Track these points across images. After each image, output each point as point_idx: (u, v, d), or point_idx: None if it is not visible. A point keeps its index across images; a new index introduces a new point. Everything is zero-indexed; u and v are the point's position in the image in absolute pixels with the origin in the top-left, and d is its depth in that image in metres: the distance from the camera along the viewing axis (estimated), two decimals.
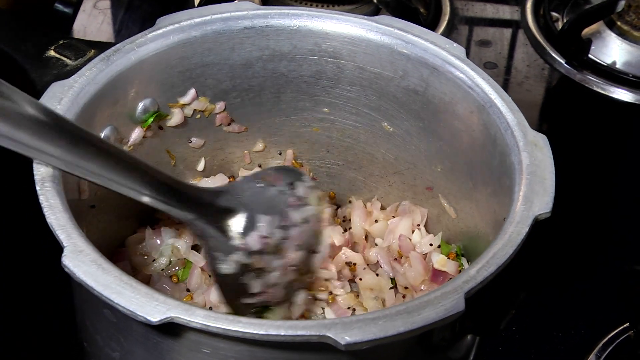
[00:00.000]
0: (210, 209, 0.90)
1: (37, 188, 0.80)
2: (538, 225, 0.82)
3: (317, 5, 1.43)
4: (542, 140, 0.90)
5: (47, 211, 0.78)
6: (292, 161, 1.14)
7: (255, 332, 0.70)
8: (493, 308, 0.91)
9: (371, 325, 0.71)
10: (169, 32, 1.00)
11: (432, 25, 1.44)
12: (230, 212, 0.91)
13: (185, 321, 0.70)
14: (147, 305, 0.71)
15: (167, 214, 0.88)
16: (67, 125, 0.81)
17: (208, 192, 0.94)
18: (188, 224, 0.90)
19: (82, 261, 0.74)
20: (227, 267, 0.90)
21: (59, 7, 1.49)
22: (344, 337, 0.70)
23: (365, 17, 1.04)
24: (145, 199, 0.84)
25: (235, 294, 0.93)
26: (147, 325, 0.71)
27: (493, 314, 0.92)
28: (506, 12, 1.54)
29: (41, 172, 0.81)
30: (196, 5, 1.46)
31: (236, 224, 0.91)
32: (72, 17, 1.48)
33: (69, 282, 0.81)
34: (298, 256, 0.95)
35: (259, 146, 1.14)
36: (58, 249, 0.76)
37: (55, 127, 0.79)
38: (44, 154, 0.78)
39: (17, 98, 0.76)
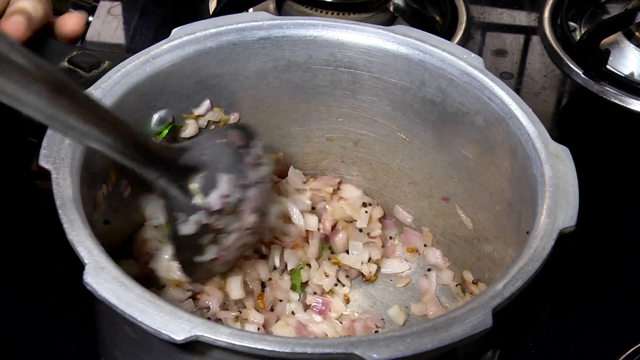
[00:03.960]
0: (173, 167, 0.90)
1: (57, 204, 0.79)
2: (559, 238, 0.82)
3: (332, 14, 1.42)
4: (564, 152, 0.89)
5: (67, 227, 0.77)
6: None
7: (281, 350, 0.69)
8: (518, 323, 0.90)
9: (398, 343, 0.70)
10: (184, 43, 0.99)
11: (449, 34, 1.43)
12: (191, 170, 0.91)
13: (210, 340, 0.70)
14: (172, 324, 0.70)
15: (132, 170, 0.86)
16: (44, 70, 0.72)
17: (171, 149, 0.93)
18: (150, 182, 0.89)
19: (104, 278, 0.73)
20: (187, 227, 0.91)
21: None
22: (372, 355, 0.69)
23: (382, 27, 1.03)
24: (111, 153, 0.81)
25: (190, 253, 0.94)
26: (171, 343, 0.70)
27: (518, 329, 0.91)
28: (523, 20, 1.53)
29: (61, 188, 0.80)
30: (211, 11, 1.46)
31: (197, 182, 0.91)
32: (86, 23, 1.47)
33: (88, 297, 0.80)
34: (254, 218, 0.96)
35: (273, 156, 1.13)
36: (78, 263, 0.75)
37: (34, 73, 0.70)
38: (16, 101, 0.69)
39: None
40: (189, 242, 0.92)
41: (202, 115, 1.04)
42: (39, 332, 1.04)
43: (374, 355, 0.68)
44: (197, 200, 0.90)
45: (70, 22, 1.01)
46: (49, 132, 0.86)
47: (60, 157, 0.83)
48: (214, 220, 0.92)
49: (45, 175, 0.82)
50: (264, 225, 1.00)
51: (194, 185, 0.90)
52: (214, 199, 0.91)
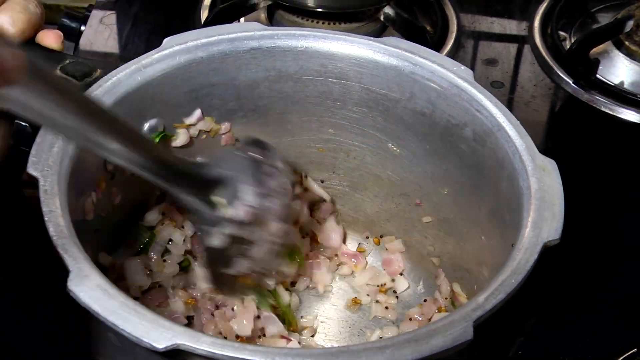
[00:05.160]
0: (196, 181, 0.91)
1: (44, 211, 0.79)
2: (545, 250, 0.82)
3: (324, 23, 1.42)
4: (550, 165, 0.89)
5: (53, 234, 0.77)
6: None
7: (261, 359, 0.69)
8: (501, 334, 0.90)
9: (379, 354, 0.70)
10: (175, 52, 1.00)
11: (439, 44, 1.44)
12: (214, 183, 0.92)
13: (191, 348, 0.70)
14: (153, 332, 0.71)
15: (155, 184, 0.87)
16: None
17: (192, 164, 0.94)
18: (175, 196, 0.90)
19: (88, 286, 0.74)
20: (215, 240, 0.91)
21: (66, 22, 1.49)
22: None
23: (373, 38, 1.03)
24: (134, 168, 0.83)
25: (221, 266, 0.94)
26: (152, 351, 0.70)
27: (501, 341, 0.91)
28: (513, 29, 1.53)
29: (48, 196, 0.81)
30: (202, 20, 1.46)
31: (221, 194, 0.91)
32: (79, 32, 1.48)
33: (73, 303, 0.80)
34: (279, 227, 0.96)
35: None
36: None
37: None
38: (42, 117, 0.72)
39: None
40: (217, 254, 0.93)
41: (193, 125, 1.05)
42: (35, 335, 1.04)
43: None
44: (222, 212, 0.91)
45: (47, 40, 1.02)
46: (37, 139, 0.86)
47: (48, 165, 0.84)
48: (240, 231, 0.92)
49: (34, 183, 0.83)
50: (290, 236, 1.01)
51: (218, 198, 0.91)
52: (239, 210, 0.91)
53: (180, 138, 1.04)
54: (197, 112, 1.04)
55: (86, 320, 0.88)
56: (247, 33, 1.03)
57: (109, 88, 0.95)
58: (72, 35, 1.47)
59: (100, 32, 1.48)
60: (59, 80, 0.74)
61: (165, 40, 1.01)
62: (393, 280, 1.13)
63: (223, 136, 1.08)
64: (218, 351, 0.70)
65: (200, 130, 1.05)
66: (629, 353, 1.03)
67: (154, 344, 0.70)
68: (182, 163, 0.91)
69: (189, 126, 1.04)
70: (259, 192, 0.93)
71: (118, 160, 0.81)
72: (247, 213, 0.91)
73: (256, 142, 0.98)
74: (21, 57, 0.64)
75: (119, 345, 0.79)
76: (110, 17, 1.52)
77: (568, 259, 1.13)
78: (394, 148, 1.07)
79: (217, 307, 1.04)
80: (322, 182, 1.16)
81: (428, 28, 1.47)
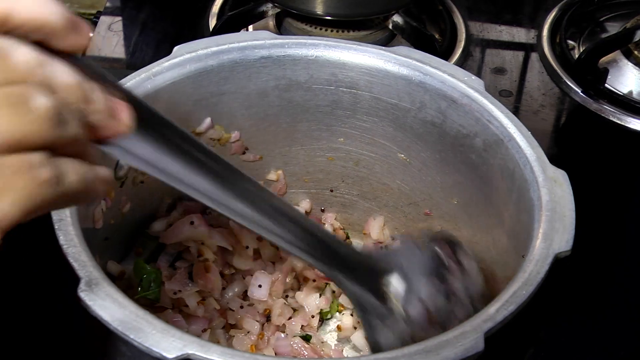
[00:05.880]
0: (366, 271, 0.87)
1: (54, 220, 0.79)
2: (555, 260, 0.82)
3: (332, 31, 1.42)
4: (561, 176, 0.89)
5: (63, 243, 0.78)
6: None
7: None
8: (512, 345, 0.90)
9: None
10: (186, 61, 1.00)
11: (448, 52, 1.44)
12: (387, 273, 0.87)
13: (201, 358, 0.70)
14: (164, 341, 0.70)
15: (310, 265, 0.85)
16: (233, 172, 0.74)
17: (363, 254, 0.91)
18: (338, 283, 0.86)
19: (98, 295, 0.74)
20: (383, 337, 0.86)
21: None
22: None
23: (383, 47, 1.04)
24: (298, 253, 0.81)
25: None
26: None
27: (512, 352, 0.91)
28: (522, 37, 1.53)
29: None
30: (211, 28, 1.46)
31: (395, 287, 0.87)
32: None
33: (84, 313, 0.80)
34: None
35: (273, 175, 1.13)
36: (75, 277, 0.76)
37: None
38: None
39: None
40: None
41: (203, 133, 1.05)
42: (36, 335, 1.03)
43: None
44: (395, 307, 0.85)
45: None
46: None
47: None
48: (416, 332, 0.85)
49: None
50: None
51: (391, 290, 0.86)
52: (415, 308, 0.85)
53: None
54: (207, 121, 1.04)
55: (95, 329, 0.88)
56: (257, 42, 1.03)
57: None
58: None
59: (109, 39, 1.48)
60: (178, 130, 0.70)
61: (176, 48, 1.01)
62: None
63: (233, 145, 1.08)
64: None
65: (210, 139, 1.05)
66: None
67: (165, 354, 0.70)
68: (350, 250, 0.88)
69: (198, 134, 1.04)
70: (438, 287, 0.87)
71: (282, 243, 0.79)
72: (423, 312, 0.85)
73: (445, 237, 0.93)
74: (129, 108, 0.61)
75: (130, 355, 0.79)
76: (119, 23, 1.52)
77: (578, 268, 1.12)
78: (404, 157, 1.07)
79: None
80: (331, 191, 1.15)
81: (437, 36, 1.47)
